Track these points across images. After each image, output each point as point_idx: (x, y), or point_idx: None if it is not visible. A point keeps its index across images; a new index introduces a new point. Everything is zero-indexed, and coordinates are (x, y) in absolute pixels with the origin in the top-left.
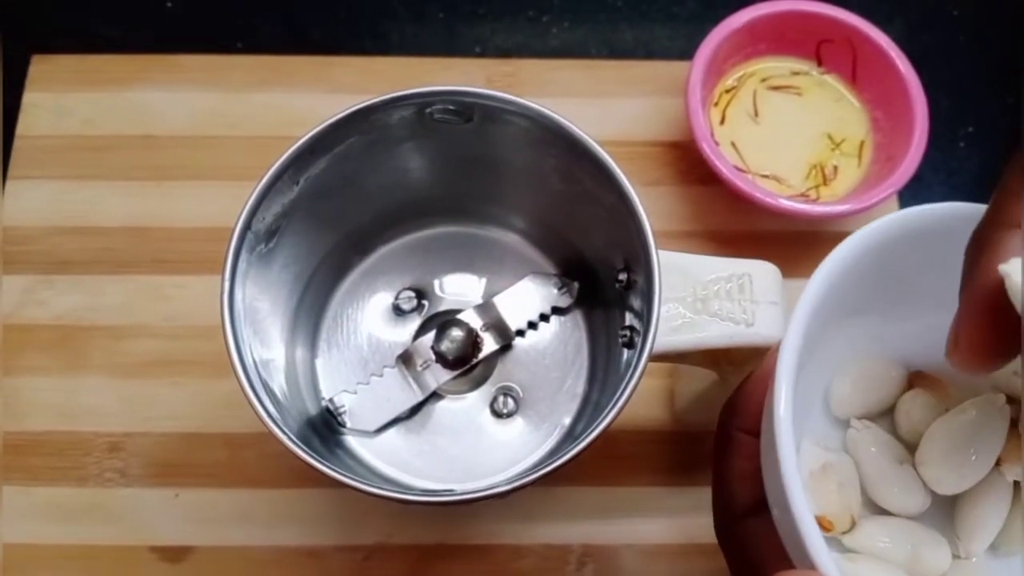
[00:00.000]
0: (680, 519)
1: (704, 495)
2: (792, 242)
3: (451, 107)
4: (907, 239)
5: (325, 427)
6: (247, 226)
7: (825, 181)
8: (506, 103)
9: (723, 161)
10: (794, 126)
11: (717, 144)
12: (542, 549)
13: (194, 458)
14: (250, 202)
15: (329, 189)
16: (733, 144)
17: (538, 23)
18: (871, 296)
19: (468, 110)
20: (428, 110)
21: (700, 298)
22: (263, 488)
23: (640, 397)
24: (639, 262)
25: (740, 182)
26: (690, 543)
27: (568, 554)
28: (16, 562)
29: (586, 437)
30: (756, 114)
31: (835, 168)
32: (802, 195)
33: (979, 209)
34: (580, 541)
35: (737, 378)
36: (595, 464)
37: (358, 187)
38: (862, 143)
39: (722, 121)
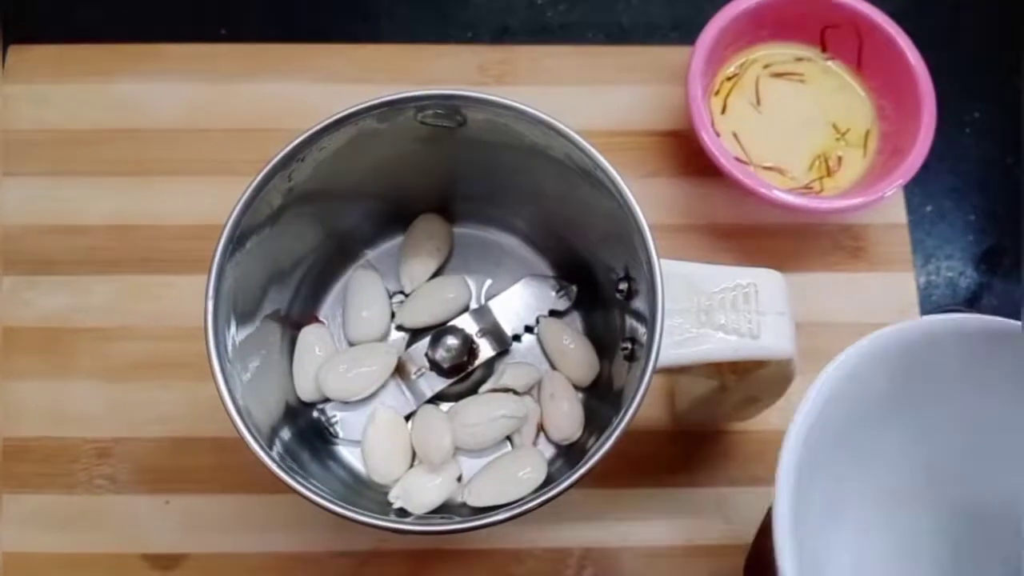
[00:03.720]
0: (681, 520)
1: (705, 496)
2: (794, 235)
3: (442, 111)
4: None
5: (317, 437)
6: (232, 237)
7: (829, 172)
8: (500, 106)
9: (723, 152)
10: (797, 115)
11: (718, 134)
12: (541, 552)
13: (184, 463)
14: (235, 212)
15: (319, 193)
16: (734, 134)
17: (533, 6)
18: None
19: (461, 114)
20: (420, 116)
21: (704, 309)
22: (256, 493)
23: None
24: (640, 271)
25: (740, 174)
26: (691, 545)
27: (568, 557)
28: (5, 571)
29: (588, 461)
30: (758, 103)
31: (839, 159)
32: (805, 187)
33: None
34: (580, 544)
35: (739, 387)
36: (595, 466)
37: (348, 191)
38: (867, 133)
39: (723, 110)
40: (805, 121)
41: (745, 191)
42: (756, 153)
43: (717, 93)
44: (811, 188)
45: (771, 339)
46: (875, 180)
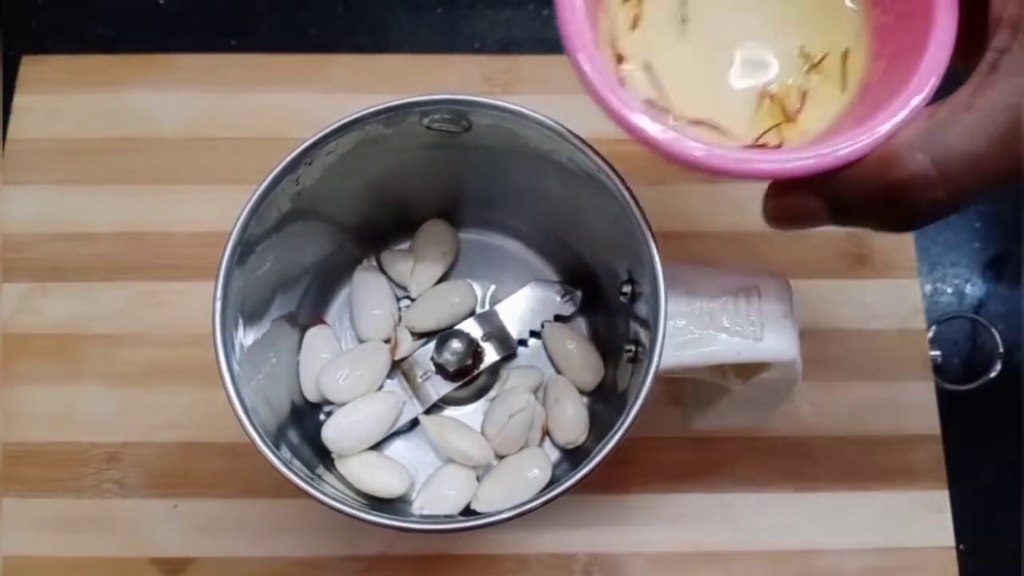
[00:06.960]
0: (687, 526)
1: (711, 501)
2: (799, 242)
3: (448, 116)
4: None
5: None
6: (240, 239)
7: (788, 116)
8: (505, 111)
9: (617, 92)
10: (745, 36)
11: (621, 60)
12: (547, 558)
13: (193, 468)
14: (244, 214)
15: (326, 198)
16: (647, 65)
17: (538, 17)
18: None
19: (467, 119)
20: (425, 120)
21: (707, 312)
22: (263, 498)
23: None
24: (644, 274)
25: (651, 128)
26: (697, 551)
27: (573, 563)
28: (14, 574)
29: (592, 460)
30: (684, 19)
31: (803, 95)
32: (756, 146)
33: None
34: (585, 549)
35: (744, 391)
36: (600, 470)
37: (354, 196)
38: (846, 54)
39: (633, 24)
40: (757, 46)
41: (660, 153)
42: (679, 96)
43: (626, 1)
44: (764, 145)
45: (774, 341)
46: (862, 119)
